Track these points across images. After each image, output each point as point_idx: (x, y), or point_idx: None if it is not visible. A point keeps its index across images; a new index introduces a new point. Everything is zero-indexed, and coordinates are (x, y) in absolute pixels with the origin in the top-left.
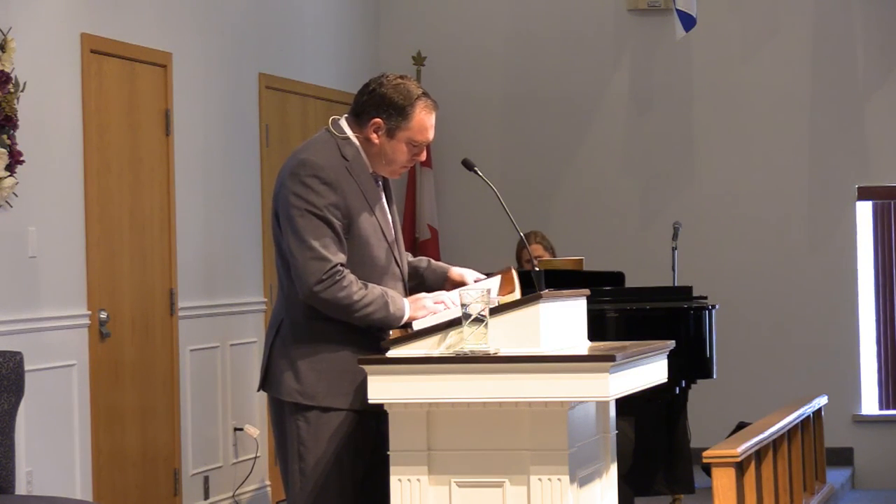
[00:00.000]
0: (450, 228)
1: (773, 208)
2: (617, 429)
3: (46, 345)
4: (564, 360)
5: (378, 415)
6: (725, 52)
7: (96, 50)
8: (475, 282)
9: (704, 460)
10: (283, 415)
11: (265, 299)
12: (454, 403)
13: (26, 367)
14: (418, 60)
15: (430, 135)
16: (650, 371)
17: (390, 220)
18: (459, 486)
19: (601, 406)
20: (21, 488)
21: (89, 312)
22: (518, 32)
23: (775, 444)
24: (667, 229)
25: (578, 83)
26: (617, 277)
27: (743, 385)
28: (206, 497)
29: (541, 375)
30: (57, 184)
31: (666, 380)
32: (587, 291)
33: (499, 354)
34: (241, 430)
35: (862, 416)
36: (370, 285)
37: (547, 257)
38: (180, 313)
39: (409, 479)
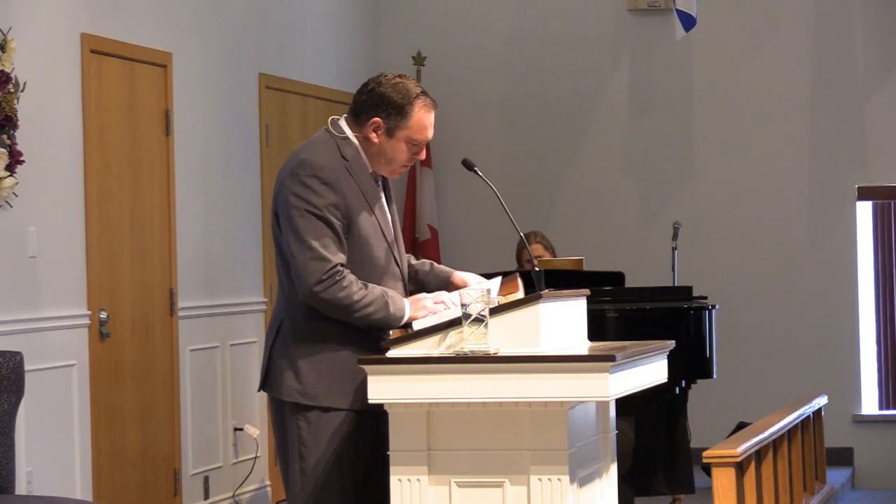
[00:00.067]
0: (450, 228)
1: (773, 208)
2: (617, 429)
3: (46, 345)
4: (564, 360)
5: (378, 415)
6: (725, 52)
7: (96, 50)
8: None
9: (704, 460)
10: (284, 415)
11: (265, 299)
12: (454, 403)
13: (26, 367)
14: (418, 60)
15: (430, 133)
16: (650, 371)
17: (390, 220)
18: (459, 486)
19: (601, 406)
20: (21, 488)
21: (89, 312)
22: (518, 32)
23: (775, 444)
24: (667, 229)
25: (578, 83)
26: (617, 277)
27: (743, 385)
28: (206, 497)
29: (541, 375)
30: (57, 184)
31: (666, 380)
32: (587, 291)
33: (499, 354)
34: (241, 430)
35: (862, 416)
36: (370, 285)
37: (547, 257)
38: (180, 313)
39: (409, 479)
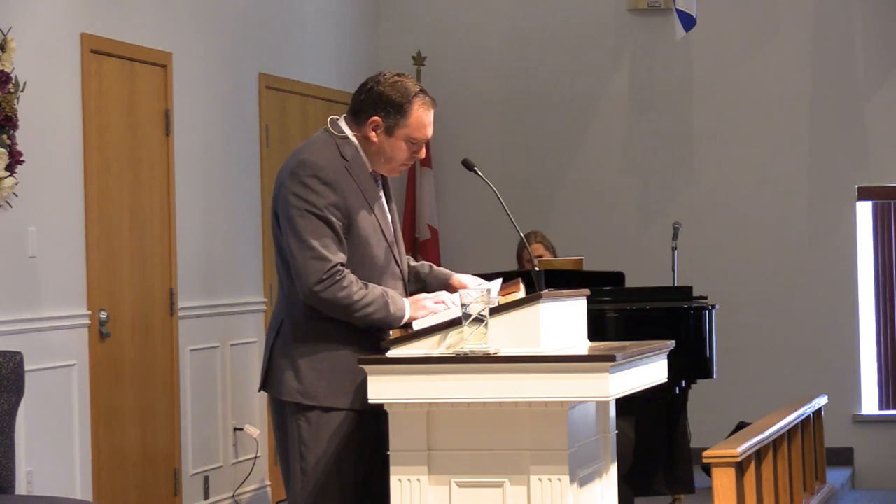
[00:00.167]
0: (450, 228)
1: (773, 208)
2: (617, 429)
3: (46, 345)
4: (564, 360)
5: (379, 415)
6: (725, 52)
7: (96, 50)
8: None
9: (704, 460)
10: (284, 415)
11: (265, 299)
12: (454, 403)
13: (26, 367)
14: (418, 60)
15: (429, 132)
16: (650, 371)
17: (390, 220)
18: (459, 486)
19: (601, 406)
20: (21, 488)
21: (89, 312)
22: (518, 32)
23: (775, 444)
24: (667, 229)
25: (578, 83)
26: (617, 277)
27: (743, 385)
28: (206, 497)
29: (541, 375)
30: (57, 184)
31: (666, 380)
32: (587, 291)
33: (499, 354)
34: (241, 430)
35: (862, 416)
36: (370, 285)
37: (548, 257)
38: (180, 313)
39: (409, 479)
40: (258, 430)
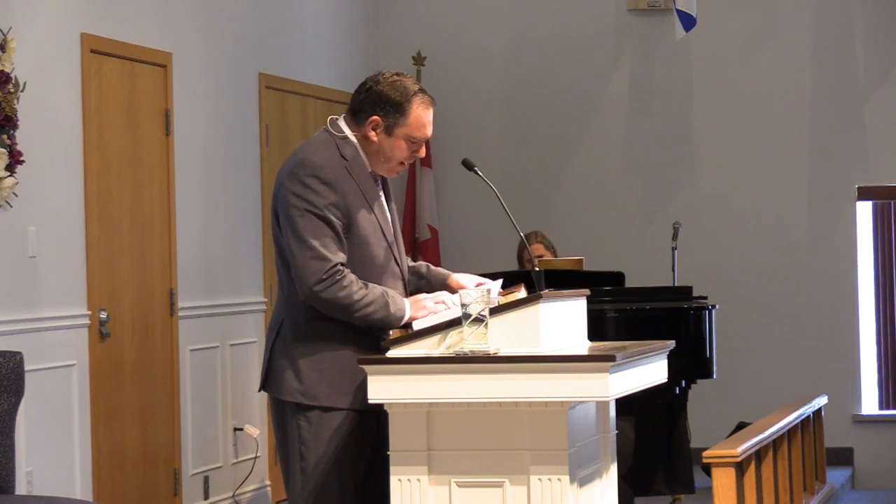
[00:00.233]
0: (450, 228)
1: (773, 208)
2: (617, 429)
3: (46, 345)
4: (564, 360)
5: (379, 414)
6: (725, 52)
7: (96, 50)
8: (476, 285)
9: (704, 460)
10: (285, 415)
11: (265, 299)
12: (454, 403)
13: (26, 367)
14: (418, 60)
15: (429, 131)
16: (650, 371)
17: (389, 219)
18: (459, 486)
19: (601, 406)
20: (21, 488)
21: (89, 312)
22: (518, 32)
23: (775, 444)
24: (667, 229)
25: (578, 83)
26: (617, 277)
27: (743, 385)
28: (206, 497)
29: (541, 375)
30: (57, 184)
31: (666, 380)
32: (587, 291)
33: (499, 354)
34: (241, 430)
35: (862, 416)
36: (371, 285)
37: (549, 257)
38: (180, 313)
39: (409, 479)
40: (258, 430)
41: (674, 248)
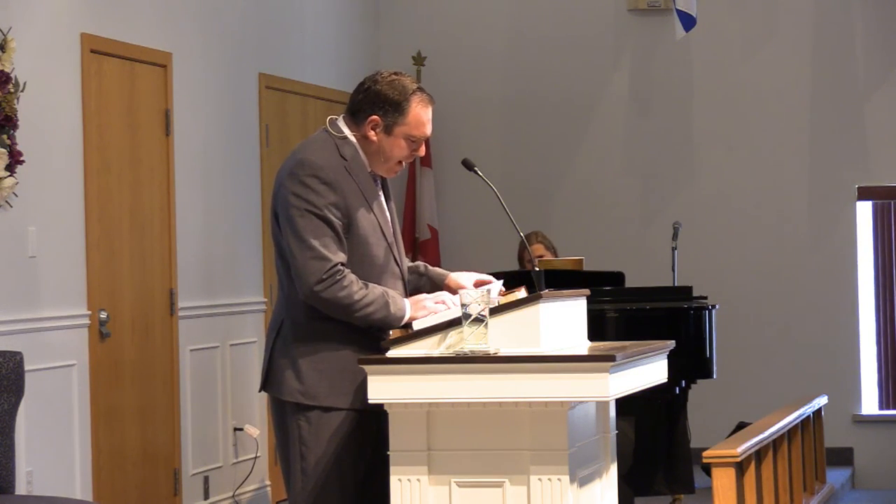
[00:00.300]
0: (450, 228)
1: (773, 208)
2: (617, 429)
3: (46, 345)
4: (564, 360)
5: (379, 414)
6: (725, 52)
7: (96, 50)
8: (475, 284)
9: (704, 460)
10: (285, 415)
11: (265, 299)
12: (454, 403)
13: (26, 367)
14: (418, 60)
15: (428, 129)
16: (650, 371)
17: (389, 219)
18: (459, 486)
19: (601, 406)
20: (21, 488)
21: (89, 312)
22: (518, 32)
23: (775, 444)
24: (667, 229)
25: (578, 83)
26: (617, 277)
27: (743, 385)
28: (206, 497)
29: (541, 375)
30: (57, 184)
31: (666, 380)
32: (587, 291)
33: (499, 354)
34: (241, 430)
35: (862, 416)
36: (371, 285)
37: (549, 257)
38: (180, 313)
39: (409, 479)
40: (258, 430)
41: (674, 248)
